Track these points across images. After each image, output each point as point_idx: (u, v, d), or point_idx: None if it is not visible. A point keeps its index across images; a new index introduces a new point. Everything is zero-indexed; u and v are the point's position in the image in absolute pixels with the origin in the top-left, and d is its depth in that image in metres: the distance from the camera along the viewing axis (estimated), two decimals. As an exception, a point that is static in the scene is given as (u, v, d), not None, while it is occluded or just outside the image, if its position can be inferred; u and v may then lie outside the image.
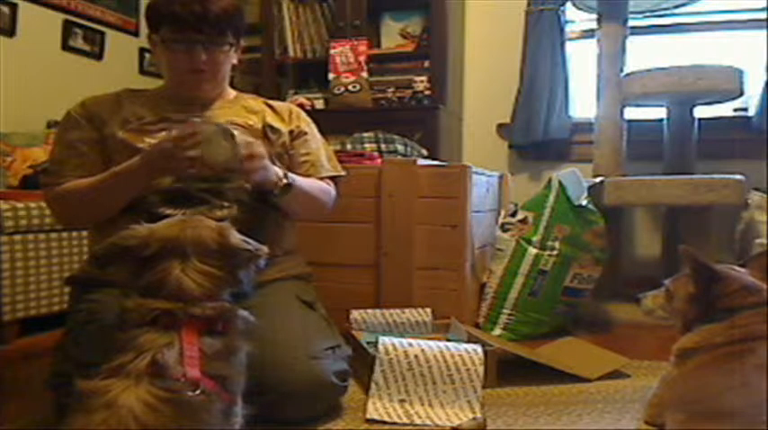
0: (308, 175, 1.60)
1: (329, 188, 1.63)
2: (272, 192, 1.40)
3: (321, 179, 1.62)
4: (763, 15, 2.85)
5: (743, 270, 1.30)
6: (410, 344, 1.52)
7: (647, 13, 2.95)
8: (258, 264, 1.08)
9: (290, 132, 1.60)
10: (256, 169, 1.32)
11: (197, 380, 0.90)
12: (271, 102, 1.65)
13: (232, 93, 1.61)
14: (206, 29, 1.41)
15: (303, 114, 1.68)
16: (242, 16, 1.52)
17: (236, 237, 1.04)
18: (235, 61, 1.55)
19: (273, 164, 1.49)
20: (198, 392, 0.89)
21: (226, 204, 1.41)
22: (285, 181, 1.41)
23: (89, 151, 1.43)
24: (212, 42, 1.43)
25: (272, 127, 1.55)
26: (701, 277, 1.27)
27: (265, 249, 1.07)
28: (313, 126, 1.68)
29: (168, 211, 1.36)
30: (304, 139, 1.62)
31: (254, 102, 1.62)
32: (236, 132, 1.31)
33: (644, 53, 2.95)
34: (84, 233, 2.23)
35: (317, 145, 1.66)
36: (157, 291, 0.97)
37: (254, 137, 1.49)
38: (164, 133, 1.40)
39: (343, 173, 1.70)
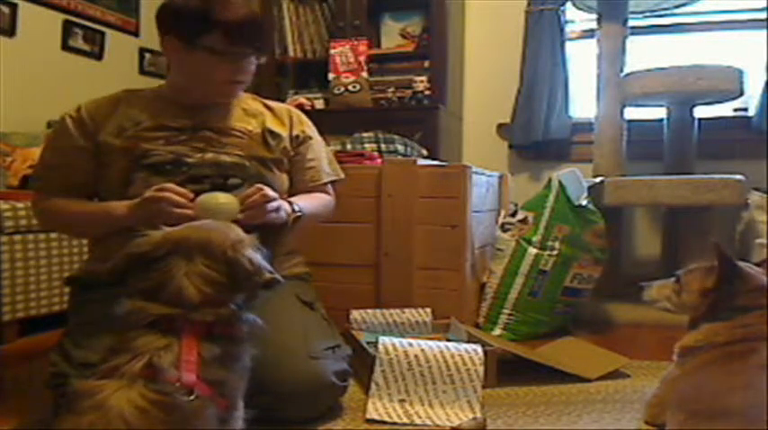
0: (314, 181, 1.61)
1: (330, 199, 1.66)
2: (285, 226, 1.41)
3: (323, 185, 1.64)
4: (763, 15, 2.85)
5: (759, 269, 1.29)
6: (410, 344, 1.52)
7: (647, 13, 2.95)
8: (259, 289, 1.04)
9: (296, 137, 1.59)
10: (268, 215, 1.30)
11: (192, 385, 0.89)
12: (269, 103, 1.64)
13: None
14: (255, 44, 1.41)
15: (304, 117, 1.66)
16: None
17: (246, 257, 1.01)
18: None
19: (272, 171, 1.49)
20: (192, 397, 0.88)
21: None
22: (296, 214, 1.42)
23: (78, 160, 1.42)
24: (256, 56, 1.44)
25: (272, 132, 1.53)
26: (726, 273, 1.25)
27: (277, 277, 1.04)
28: (314, 128, 1.68)
29: None
30: (309, 144, 1.62)
31: (253, 102, 1.60)
32: (232, 196, 1.29)
33: (644, 53, 2.95)
34: (84, 233, 2.24)
35: (320, 148, 1.66)
36: (158, 295, 0.96)
37: (254, 142, 1.49)
38: (160, 142, 1.39)
39: (342, 176, 1.70)
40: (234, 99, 1.51)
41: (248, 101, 1.60)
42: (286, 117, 1.61)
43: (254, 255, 1.02)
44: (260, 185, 1.32)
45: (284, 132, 1.57)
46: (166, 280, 0.96)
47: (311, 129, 1.65)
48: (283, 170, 1.55)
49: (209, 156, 1.42)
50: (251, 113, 1.55)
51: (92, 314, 1.31)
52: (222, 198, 1.27)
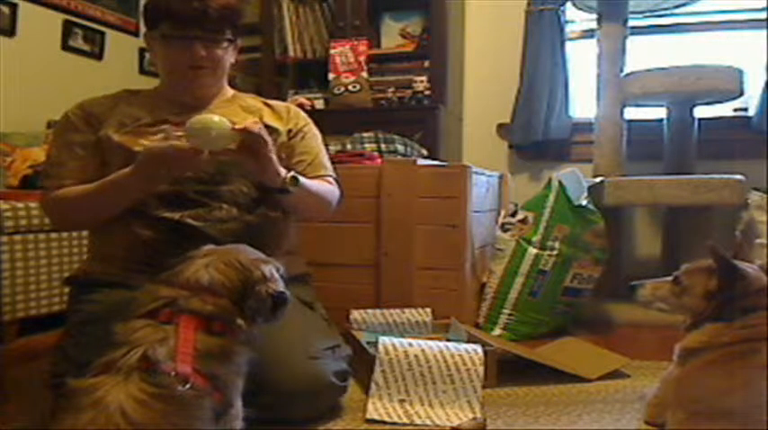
0: (304, 174, 1.57)
1: (334, 187, 1.62)
2: (284, 188, 1.39)
3: (322, 178, 1.60)
4: (763, 15, 2.85)
5: (755, 267, 1.28)
6: (410, 344, 1.52)
7: (647, 13, 2.95)
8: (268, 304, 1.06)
9: (289, 131, 1.58)
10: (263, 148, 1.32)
11: (187, 375, 0.90)
12: (269, 101, 1.64)
13: (230, 92, 1.59)
14: (205, 25, 1.40)
15: (302, 113, 1.66)
16: (240, 13, 1.51)
17: (260, 268, 1.05)
18: (233, 60, 1.54)
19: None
20: (187, 387, 0.89)
21: (224, 206, 1.40)
22: (291, 173, 1.40)
23: (87, 155, 1.41)
24: (211, 39, 1.42)
25: (269, 127, 1.52)
26: (727, 275, 1.24)
27: (286, 294, 1.07)
28: (312, 125, 1.66)
29: (166, 214, 1.36)
30: (301, 137, 1.60)
31: (253, 101, 1.60)
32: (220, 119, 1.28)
33: (644, 53, 2.95)
34: (84, 233, 2.23)
35: (317, 143, 1.64)
36: (173, 281, 1.01)
37: None
38: (159, 136, 1.40)
39: (332, 175, 1.69)
40: (202, 86, 1.48)
41: (247, 99, 1.60)
42: (284, 112, 1.61)
43: (271, 270, 1.07)
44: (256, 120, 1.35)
45: (282, 127, 1.56)
46: (185, 268, 1.03)
47: (306, 125, 1.64)
48: (282, 164, 1.54)
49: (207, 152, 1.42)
50: (249, 110, 1.55)
51: (91, 313, 1.31)
52: (216, 118, 1.26)
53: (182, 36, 1.40)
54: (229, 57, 1.51)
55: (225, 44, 1.46)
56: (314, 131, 1.65)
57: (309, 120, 1.67)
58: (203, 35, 1.41)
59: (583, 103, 3.12)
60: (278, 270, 1.10)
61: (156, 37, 1.44)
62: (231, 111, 1.51)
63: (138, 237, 1.36)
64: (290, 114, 1.62)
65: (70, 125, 1.43)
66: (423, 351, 1.50)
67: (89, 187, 1.37)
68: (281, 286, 1.06)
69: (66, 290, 1.52)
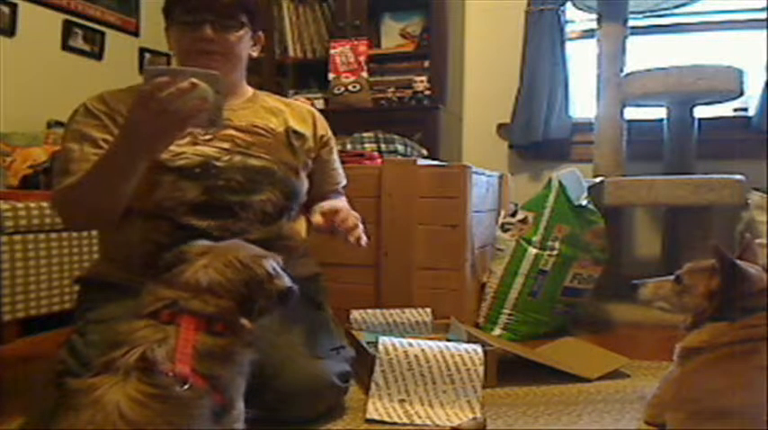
0: (336, 183, 1.64)
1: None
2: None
3: (343, 187, 1.66)
4: (763, 15, 2.86)
5: (758, 267, 1.28)
6: (410, 344, 1.52)
7: (647, 13, 2.95)
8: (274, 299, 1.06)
9: (321, 138, 1.58)
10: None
11: (185, 375, 0.90)
12: (287, 100, 1.62)
13: (250, 90, 1.56)
14: (216, 8, 1.37)
15: (323, 119, 1.65)
16: (256, 4, 1.48)
17: (262, 266, 1.04)
18: (254, 54, 1.50)
19: (298, 176, 1.48)
20: (186, 387, 0.89)
21: (251, 217, 1.38)
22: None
23: None
24: (221, 23, 1.38)
25: (295, 131, 1.51)
26: (729, 275, 1.24)
27: (293, 288, 1.07)
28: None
29: (193, 222, 1.33)
30: (330, 148, 1.62)
31: (272, 100, 1.58)
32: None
33: (644, 53, 2.95)
34: (85, 233, 2.23)
35: (335, 150, 1.67)
36: (173, 282, 1.01)
37: (278, 142, 1.47)
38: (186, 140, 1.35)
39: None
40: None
41: (267, 98, 1.57)
42: (308, 117, 1.59)
43: (274, 266, 1.06)
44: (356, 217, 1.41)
45: (308, 131, 1.55)
46: (184, 269, 1.02)
47: (329, 132, 1.64)
48: (307, 172, 1.53)
49: (238, 159, 1.39)
50: (272, 111, 1.53)
51: (103, 313, 1.30)
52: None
53: (192, 20, 1.36)
54: (245, 47, 1.45)
55: (238, 31, 1.41)
56: (332, 137, 1.66)
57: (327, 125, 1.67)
58: (213, 18, 1.37)
59: (583, 103, 3.13)
60: (278, 263, 1.08)
61: (171, 26, 1.40)
62: (253, 113, 1.49)
63: (154, 242, 1.32)
64: (316, 120, 1.60)
65: (92, 119, 1.35)
66: (423, 351, 1.50)
67: (88, 169, 1.26)
68: (287, 281, 1.05)
69: (68, 289, 1.52)
